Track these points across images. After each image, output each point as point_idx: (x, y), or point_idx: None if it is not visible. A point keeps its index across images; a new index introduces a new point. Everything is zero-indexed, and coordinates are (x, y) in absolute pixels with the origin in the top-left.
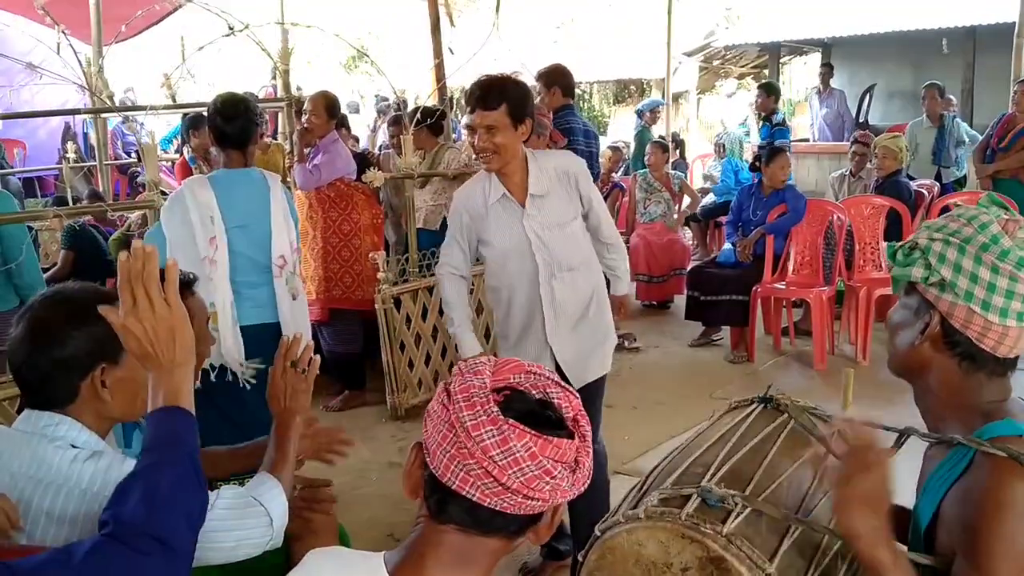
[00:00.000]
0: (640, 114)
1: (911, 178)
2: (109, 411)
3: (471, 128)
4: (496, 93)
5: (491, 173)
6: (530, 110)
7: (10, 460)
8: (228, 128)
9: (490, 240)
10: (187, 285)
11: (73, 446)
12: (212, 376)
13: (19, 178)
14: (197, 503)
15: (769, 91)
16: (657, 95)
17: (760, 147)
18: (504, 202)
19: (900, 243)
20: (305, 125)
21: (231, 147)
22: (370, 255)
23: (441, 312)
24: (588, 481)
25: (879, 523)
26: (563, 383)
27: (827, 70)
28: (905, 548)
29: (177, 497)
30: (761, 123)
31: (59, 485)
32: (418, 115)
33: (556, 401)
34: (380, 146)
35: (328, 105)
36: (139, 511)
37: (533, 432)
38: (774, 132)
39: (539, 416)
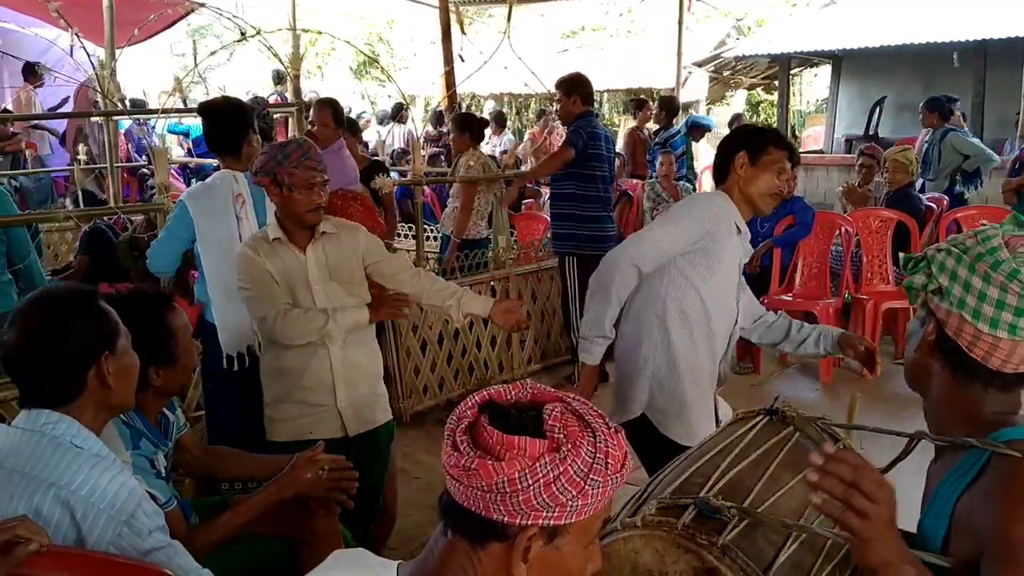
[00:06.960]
0: (690, 126)
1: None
2: (111, 400)
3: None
4: None
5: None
6: None
7: (13, 460)
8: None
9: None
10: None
11: (74, 444)
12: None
13: (33, 179)
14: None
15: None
16: None
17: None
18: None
19: (914, 254)
20: (314, 133)
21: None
22: None
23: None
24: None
25: (896, 536)
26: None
27: None
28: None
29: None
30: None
31: (60, 486)
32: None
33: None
34: (392, 153)
35: (334, 113)
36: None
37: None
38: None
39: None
